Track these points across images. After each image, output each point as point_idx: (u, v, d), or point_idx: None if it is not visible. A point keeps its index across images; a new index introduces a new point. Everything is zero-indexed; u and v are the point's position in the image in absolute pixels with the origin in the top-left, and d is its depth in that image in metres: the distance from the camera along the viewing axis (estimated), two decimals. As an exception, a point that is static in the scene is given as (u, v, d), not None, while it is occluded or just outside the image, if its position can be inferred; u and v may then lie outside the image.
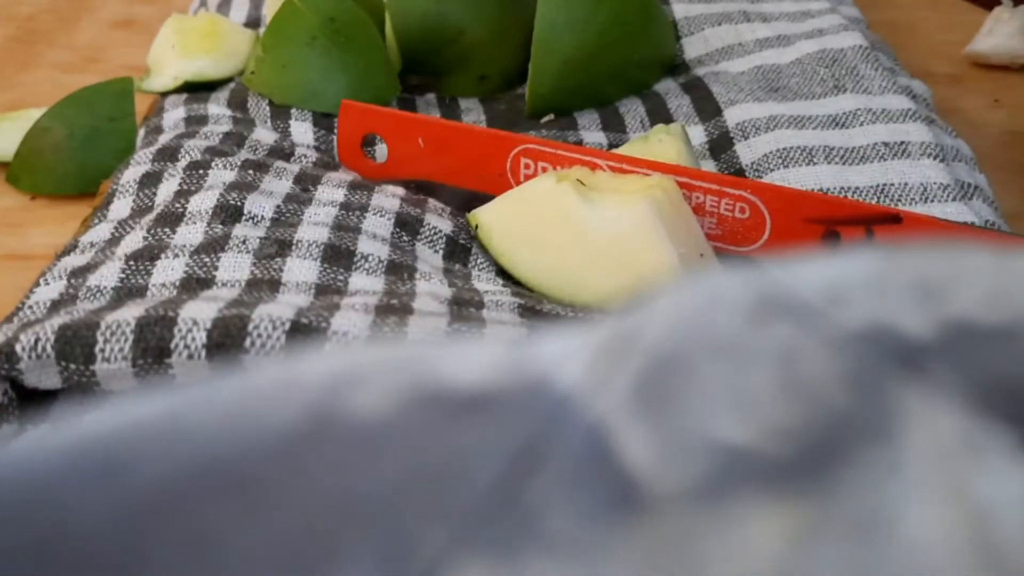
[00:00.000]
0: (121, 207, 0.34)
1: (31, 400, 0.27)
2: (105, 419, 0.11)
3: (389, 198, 0.34)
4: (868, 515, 0.09)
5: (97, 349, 0.25)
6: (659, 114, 0.40)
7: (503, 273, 0.32)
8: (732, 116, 0.38)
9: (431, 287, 0.29)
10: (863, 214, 0.28)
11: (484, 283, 0.31)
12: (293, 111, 0.39)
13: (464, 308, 0.27)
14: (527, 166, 0.33)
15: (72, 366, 0.25)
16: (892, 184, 0.33)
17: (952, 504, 0.09)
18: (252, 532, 0.10)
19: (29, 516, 0.10)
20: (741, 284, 0.11)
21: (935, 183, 0.33)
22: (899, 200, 0.33)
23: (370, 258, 0.30)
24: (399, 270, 0.30)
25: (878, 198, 0.33)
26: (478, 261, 0.33)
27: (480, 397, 0.11)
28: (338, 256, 0.30)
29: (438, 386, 0.11)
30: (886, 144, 0.35)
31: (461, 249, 0.33)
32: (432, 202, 0.36)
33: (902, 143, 0.35)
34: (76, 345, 0.25)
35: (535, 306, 0.28)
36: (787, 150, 0.35)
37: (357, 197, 0.35)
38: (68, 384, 0.26)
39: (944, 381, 0.10)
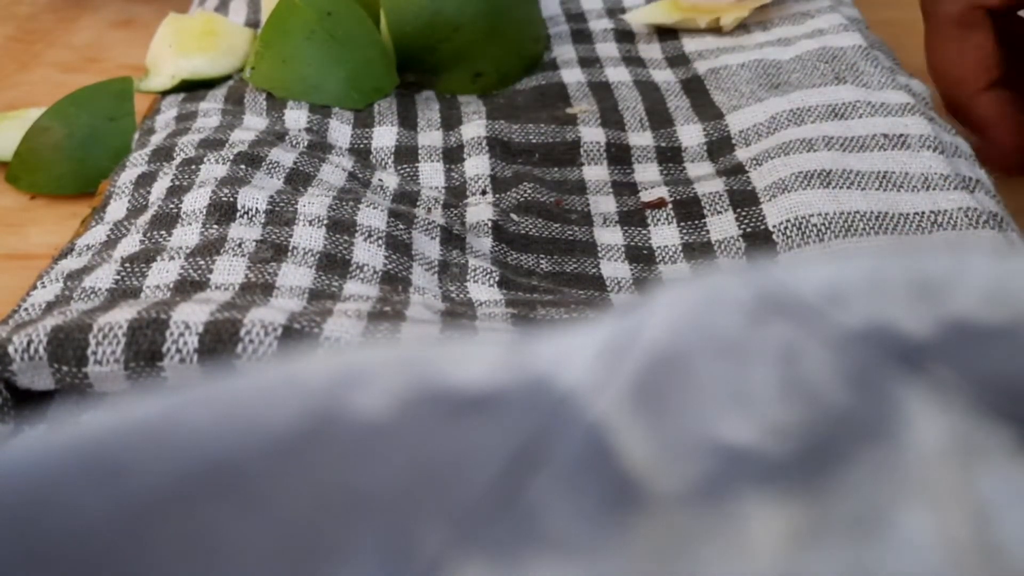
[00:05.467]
0: (117, 209, 0.34)
1: (27, 401, 0.27)
2: (104, 419, 0.11)
3: (388, 175, 0.34)
4: (868, 515, 0.09)
5: (89, 352, 0.25)
6: (659, 113, 0.40)
7: (504, 281, 0.32)
8: (735, 122, 0.38)
9: (424, 300, 0.29)
10: None
11: (480, 290, 0.31)
12: (290, 102, 0.40)
13: (457, 319, 0.27)
14: None
15: (64, 368, 0.25)
16: (894, 172, 0.33)
17: (952, 503, 0.09)
18: (252, 532, 0.10)
19: (28, 517, 0.10)
20: (741, 284, 0.11)
21: (936, 173, 0.33)
22: (901, 187, 0.33)
23: (365, 268, 0.30)
24: (394, 282, 0.30)
25: (880, 183, 0.33)
26: (474, 249, 0.33)
27: (481, 397, 0.11)
28: (333, 265, 0.30)
29: (439, 386, 0.11)
30: (885, 136, 0.35)
31: (456, 238, 0.33)
32: (425, 193, 0.36)
33: (901, 135, 0.35)
34: (68, 347, 0.25)
35: (528, 315, 0.28)
36: (787, 144, 0.35)
37: (353, 184, 0.35)
38: (61, 386, 0.26)
39: (944, 380, 0.10)
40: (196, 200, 0.32)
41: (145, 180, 0.35)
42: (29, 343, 0.25)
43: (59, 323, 0.26)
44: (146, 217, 0.32)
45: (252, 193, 0.32)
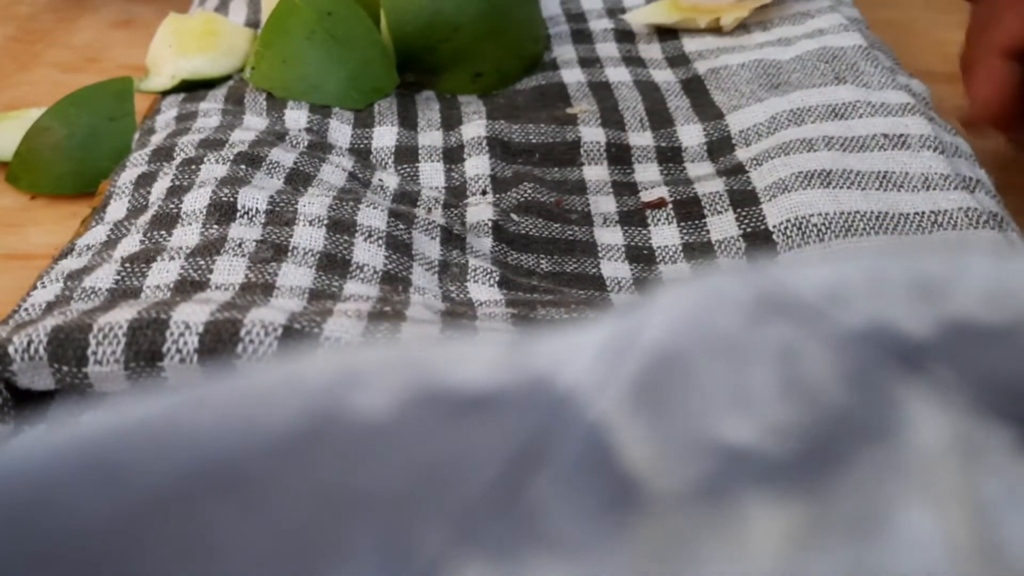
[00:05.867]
0: (117, 209, 0.34)
1: (28, 401, 0.27)
2: (104, 420, 0.11)
3: (388, 175, 0.34)
4: (868, 514, 0.09)
5: (89, 352, 0.25)
6: (659, 113, 0.40)
7: (504, 281, 0.32)
8: (735, 122, 0.38)
9: (425, 300, 0.29)
10: None
11: (480, 290, 0.31)
12: (290, 102, 0.40)
13: (457, 319, 0.27)
14: None
15: (65, 368, 0.25)
16: (894, 172, 0.33)
17: (952, 503, 0.09)
18: (252, 532, 0.10)
19: (28, 517, 0.10)
20: (741, 284, 0.11)
21: (937, 173, 0.33)
22: (901, 187, 0.33)
23: (365, 268, 0.30)
24: (394, 282, 0.30)
25: (880, 183, 0.33)
26: (474, 249, 0.33)
27: (481, 397, 0.11)
28: (333, 265, 0.30)
29: (439, 386, 0.11)
30: (886, 136, 0.35)
31: (456, 238, 0.33)
32: (425, 193, 0.36)
33: (902, 135, 0.35)
34: (68, 347, 0.25)
35: (528, 315, 0.28)
36: (787, 144, 0.35)
37: (353, 184, 0.35)
38: (61, 386, 0.26)
39: (944, 380, 0.10)
40: (196, 200, 0.32)
41: (145, 180, 0.35)
42: (29, 343, 0.25)
43: (59, 323, 0.26)
44: (146, 217, 0.32)
45: (252, 193, 0.32)
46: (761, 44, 0.43)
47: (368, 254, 0.31)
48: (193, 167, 0.34)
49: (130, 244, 0.31)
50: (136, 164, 0.36)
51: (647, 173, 0.37)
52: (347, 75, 0.40)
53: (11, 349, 0.25)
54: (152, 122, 0.40)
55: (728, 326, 0.11)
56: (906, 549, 0.09)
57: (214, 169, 0.34)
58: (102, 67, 0.49)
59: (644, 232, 0.34)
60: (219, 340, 0.25)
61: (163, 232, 0.31)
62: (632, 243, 0.34)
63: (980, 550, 0.09)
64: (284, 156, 0.35)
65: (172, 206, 0.32)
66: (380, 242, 0.31)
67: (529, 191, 0.35)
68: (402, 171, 0.38)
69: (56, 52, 0.51)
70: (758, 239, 0.33)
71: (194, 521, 0.10)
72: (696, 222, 0.34)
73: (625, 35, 0.46)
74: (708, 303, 0.11)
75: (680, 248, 0.34)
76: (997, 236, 0.31)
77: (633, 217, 0.35)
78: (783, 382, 0.10)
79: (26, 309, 0.29)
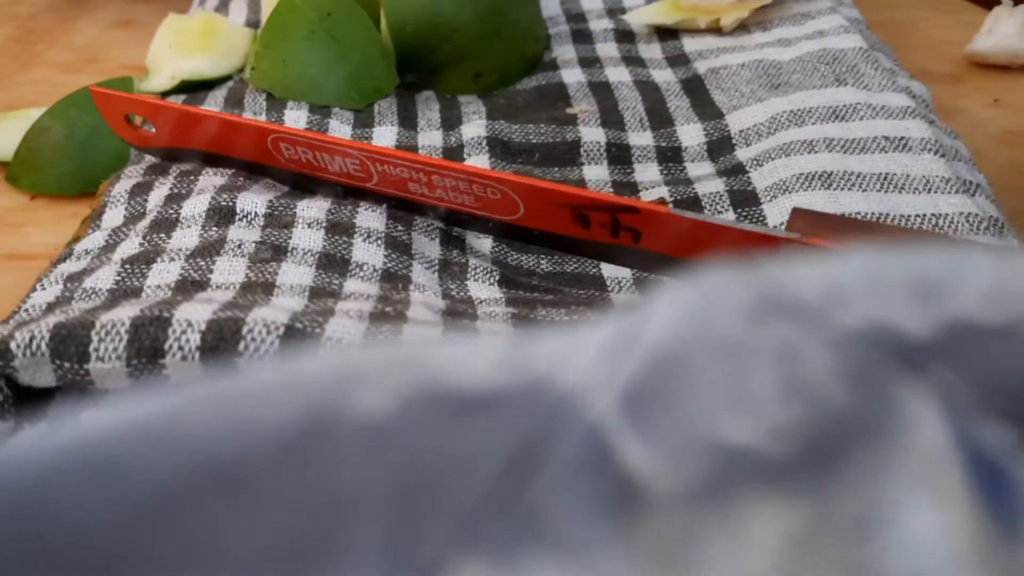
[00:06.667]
0: (114, 216, 0.34)
1: (28, 398, 0.27)
2: (103, 418, 0.11)
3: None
4: (868, 515, 0.09)
5: (91, 348, 0.25)
6: (659, 113, 0.40)
7: (504, 280, 0.32)
8: (735, 122, 0.38)
9: (425, 298, 0.29)
10: (605, 203, 0.29)
11: (481, 288, 0.31)
12: (290, 102, 0.40)
13: (458, 319, 0.27)
14: (287, 149, 0.33)
15: (66, 365, 0.25)
16: (895, 174, 0.33)
17: (953, 503, 0.09)
18: (252, 532, 0.10)
19: (26, 515, 0.10)
20: (741, 284, 0.11)
21: (938, 176, 0.33)
22: (902, 189, 0.33)
23: (365, 267, 0.30)
24: (394, 279, 0.30)
25: (881, 185, 0.33)
26: (474, 249, 0.33)
27: (481, 397, 0.11)
28: (333, 264, 0.30)
29: (439, 385, 0.11)
30: (886, 138, 0.35)
31: (455, 238, 0.33)
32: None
33: (902, 138, 0.35)
34: (70, 344, 0.25)
35: (528, 315, 0.28)
36: (787, 144, 0.35)
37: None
38: (62, 383, 0.26)
39: (944, 381, 0.10)
40: (195, 206, 0.32)
41: (140, 189, 0.35)
42: (31, 339, 0.25)
43: (61, 320, 0.26)
44: (145, 223, 0.33)
45: (251, 197, 0.32)
46: (761, 44, 0.43)
47: (367, 253, 0.31)
48: (192, 177, 0.34)
49: (129, 247, 0.31)
50: (131, 176, 0.36)
51: (647, 173, 0.37)
52: (347, 75, 0.40)
53: (13, 345, 0.25)
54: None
55: (728, 326, 0.11)
56: (907, 549, 0.09)
57: (212, 179, 0.34)
58: (102, 67, 0.49)
59: (644, 232, 0.34)
60: (221, 338, 0.25)
61: (162, 235, 0.32)
62: (632, 243, 0.34)
63: (981, 551, 0.09)
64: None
65: (171, 212, 0.33)
66: (379, 242, 0.31)
67: None
68: (402, 171, 0.38)
69: (56, 52, 0.51)
70: (758, 239, 0.33)
71: (194, 520, 0.10)
72: None
73: (625, 35, 0.46)
74: (708, 303, 0.11)
75: (680, 248, 0.34)
76: (996, 242, 0.31)
77: (633, 217, 0.35)
78: (783, 382, 0.10)
79: (26, 310, 0.29)
